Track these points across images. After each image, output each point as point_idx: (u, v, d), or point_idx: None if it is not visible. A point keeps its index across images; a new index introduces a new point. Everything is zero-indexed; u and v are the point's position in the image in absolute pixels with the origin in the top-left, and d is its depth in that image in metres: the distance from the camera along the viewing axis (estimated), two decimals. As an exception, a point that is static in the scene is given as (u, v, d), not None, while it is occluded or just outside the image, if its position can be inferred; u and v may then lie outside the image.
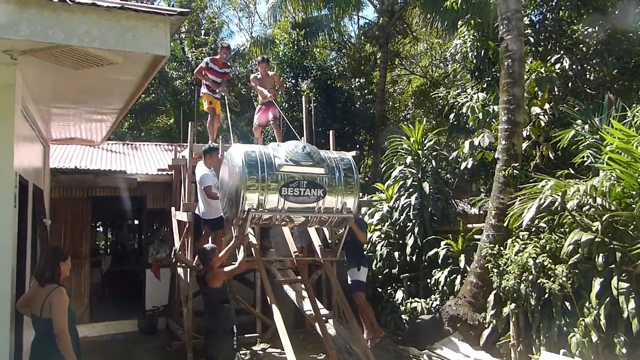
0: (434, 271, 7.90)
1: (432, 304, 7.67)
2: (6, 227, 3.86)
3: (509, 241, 6.30)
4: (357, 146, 14.50)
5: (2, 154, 3.86)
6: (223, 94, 8.50)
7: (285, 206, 5.50)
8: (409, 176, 8.72)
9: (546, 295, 5.64)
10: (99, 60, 3.73)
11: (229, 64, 9.18)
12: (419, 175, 8.64)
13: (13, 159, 3.92)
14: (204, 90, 8.46)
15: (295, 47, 14.54)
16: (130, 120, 18.28)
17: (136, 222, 13.55)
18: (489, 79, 9.74)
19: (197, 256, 6.50)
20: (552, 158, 7.89)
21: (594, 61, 8.79)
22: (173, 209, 8.17)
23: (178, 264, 7.44)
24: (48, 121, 6.54)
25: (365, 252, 7.42)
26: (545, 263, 5.60)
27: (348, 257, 7.04)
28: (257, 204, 5.40)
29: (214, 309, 5.28)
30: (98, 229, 14.65)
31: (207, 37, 18.27)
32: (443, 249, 7.78)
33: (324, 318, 6.17)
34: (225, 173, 5.80)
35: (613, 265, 5.11)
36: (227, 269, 5.35)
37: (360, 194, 11.50)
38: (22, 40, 3.16)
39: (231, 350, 5.26)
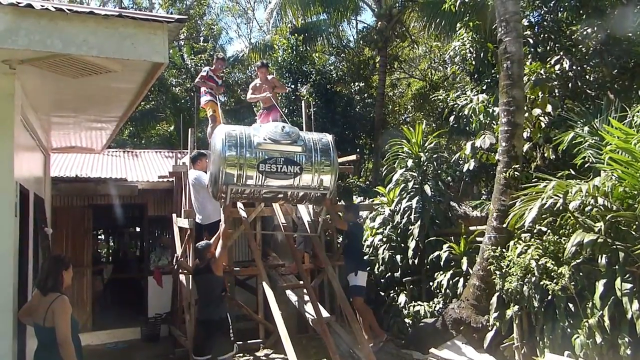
0: (436, 274, 7.88)
1: (435, 307, 7.64)
2: (7, 237, 3.86)
3: (511, 243, 6.28)
4: (358, 150, 14.53)
5: (3, 164, 3.86)
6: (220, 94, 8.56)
7: (263, 182, 5.80)
8: (410, 179, 8.71)
9: (549, 297, 5.61)
10: (98, 68, 3.73)
11: (222, 75, 9.24)
12: (420, 178, 8.63)
13: (13, 169, 3.92)
14: (208, 98, 8.48)
15: (294, 53, 14.57)
16: (131, 128, 18.31)
17: (137, 229, 13.53)
18: (489, 80, 9.74)
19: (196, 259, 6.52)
20: (553, 159, 7.87)
21: (593, 62, 8.78)
22: (174, 215, 8.17)
23: (180, 270, 7.43)
24: (48, 130, 6.55)
25: (364, 256, 7.45)
26: (548, 265, 5.58)
27: (346, 262, 7.07)
28: (236, 179, 5.70)
29: (215, 298, 5.53)
30: (99, 237, 14.64)
31: (206, 44, 18.32)
32: (445, 251, 7.76)
33: (326, 322, 6.15)
34: (211, 153, 6.13)
35: (616, 266, 5.07)
36: (217, 250, 5.62)
37: (362, 197, 11.63)
38: (21, 49, 3.16)
39: (228, 341, 5.50)
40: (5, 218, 3.85)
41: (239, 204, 7.12)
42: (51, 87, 4.49)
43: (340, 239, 7.64)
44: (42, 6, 3.12)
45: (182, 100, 17.66)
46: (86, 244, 9.10)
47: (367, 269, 7.27)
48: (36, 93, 4.65)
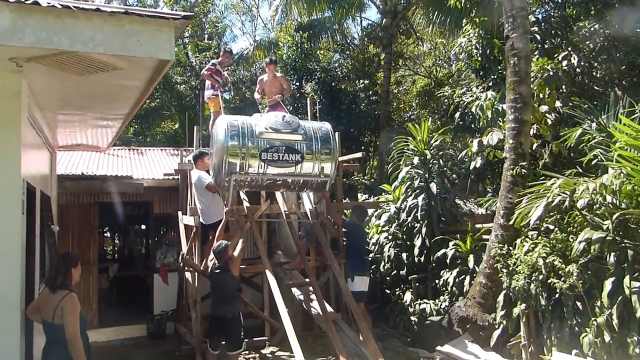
0: (442, 272, 7.86)
1: (441, 305, 7.63)
2: (15, 234, 3.86)
3: (518, 241, 6.25)
4: (362, 147, 14.47)
5: (10, 162, 3.86)
6: (217, 93, 8.50)
7: (265, 170, 5.96)
8: (416, 177, 8.68)
9: (557, 295, 5.59)
10: (104, 65, 3.72)
11: (226, 68, 9.23)
12: (426, 176, 8.60)
13: (20, 167, 3.92)
14: (214, 92, 8.46)
15: (299, 50, 14.55)
16: (136, 126, 18.34)
17: (143, 227, 13.56)
18: (495, 77, 9.70)
19: (204, 260, 6.53)
20: (561, 156, 7.82)
21: (600, 58, 8.71)
22: (180, 213, 8.17)
23: (186, 268, 7.44)
24: (54, 128, 6.56)
25: (363, 259, 7.02)
26: (556, 263, 5.54)
27: (346, 264, 6.92)
28: (239, 168, 5.83)
29: (230, 296, 5.73)
30: (105, 234, 14.69)
31: (210, 42, 18.33)
32: (451, 249, 7.73)
33: (332, 320, 6.14)
34: (213, 144, 6.28)
35: (625, 264, 5.03)
36: (236, 252, 5.83)
37: (367, 195, 11.60)
38: (27, 47, 3.14)
39: (239, 337, 5.69)
40: (12, 215, 3.86)
41: (243, 196, 7.16)
42: (57, 85, 4.49)
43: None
44: (48, 3, 3.11)
45: (187, 98, 17.69)
46: (92, 242, 9.11)
47: (366, 272, 6.88)
48: (43, 91, 4.64)
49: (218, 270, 5.75)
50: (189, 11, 17.55)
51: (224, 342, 5.78)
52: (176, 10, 17.80)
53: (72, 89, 4.63)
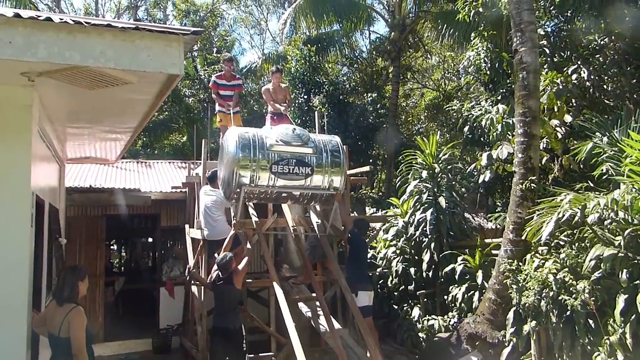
0: (451, 287, 7.75)
1: (450, 321, 7.51)
2: (23, 247, 3.88)
3: (528, 256, 6.16)
4: (371, 161, 14.47)
5: (20, 175, 3.89)
6: (237, 109, 8.48)
7: (275, 183, 5.96)
8: (424, 190, 8.62)
9: (568, 313, 5.46)
10: (114, 80, 3.75)
11: (237, 75, 9.20)
12: (435, 190, 8.54)
13: (30, 180, 3.95)
14: (217, 108, 8.52)
15: (307, 63, 14.63)
16: (144, 139, 18.46)
17: (150, 239, 13.59)
18: (504, 90, 9.67)
19: (210, 273, 6.51)
20: (572, 170, 7.75)
21: (611, 72, 8.66)
22: (187, 226, 8.17)
23: (192, 282, 7.41)
24: (64, 141, 6.61)
25: (364, 273, 6.89)
26: (566, 279, 5.44)
27: (347, 277, 6.65)
28: (249, 180, 5.86)
29: (230, 310, 5.72)
30: (112, 247, 14.72)
31: (219, 55, 18.49)
32: (460, 264, 7.64)
33: (339, 336, 6.07)
34: (223, 155, 6.29)
35: (637, 281, 4.94)
36: (241, 265, 5.80)
37: (375, 209, 11.55)
38: (40, 62, 3.19)
39: (241, 349, 5.69)
40: (21, 228, 3.87)
41: (252, 211, 7.14)
42: (68, 99, 4.53)
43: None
44: (60, 19, 3.15)
45: (195, 111, 17.81)
46: (99, 254, 9.13)
47: (369, 286, 6.79)
48: (53, 104, 4.69)
49: (221, 282, 5.74)
50: (198, 25, 17.79)
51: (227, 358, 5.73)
52: (185, 24, 18.05)
53: (83, 102, 4.68)
